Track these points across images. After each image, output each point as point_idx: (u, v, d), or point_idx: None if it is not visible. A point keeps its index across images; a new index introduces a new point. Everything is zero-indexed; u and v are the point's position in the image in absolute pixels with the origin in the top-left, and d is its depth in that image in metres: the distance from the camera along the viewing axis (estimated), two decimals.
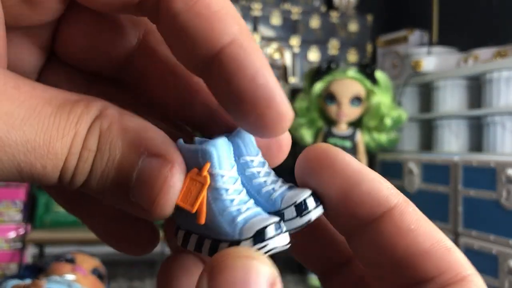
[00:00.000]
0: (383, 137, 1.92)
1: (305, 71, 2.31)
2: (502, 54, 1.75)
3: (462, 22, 2.33)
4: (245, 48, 0.13)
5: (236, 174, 0.15)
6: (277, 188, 0.15)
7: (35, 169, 0.14)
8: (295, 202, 0.15)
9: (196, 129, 0.18)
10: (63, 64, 0.18)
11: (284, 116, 0.14)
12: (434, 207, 1.73)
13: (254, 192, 0.15)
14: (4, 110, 0.13)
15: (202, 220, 0.14)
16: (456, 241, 1.63)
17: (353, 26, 2.67)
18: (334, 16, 2.64)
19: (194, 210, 0.14)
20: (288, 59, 2.53)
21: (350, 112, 1.86)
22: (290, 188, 0.16)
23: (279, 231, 0.14)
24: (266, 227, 0.14)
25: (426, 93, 2.09)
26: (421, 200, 1.80)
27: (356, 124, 1.92)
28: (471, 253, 1.55)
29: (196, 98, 0.17)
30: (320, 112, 1.95)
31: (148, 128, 0.14)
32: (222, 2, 0.13)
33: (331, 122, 1.93)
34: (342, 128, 1.90)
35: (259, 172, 0.15)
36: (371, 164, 2.07)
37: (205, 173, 0.14)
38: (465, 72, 1.85)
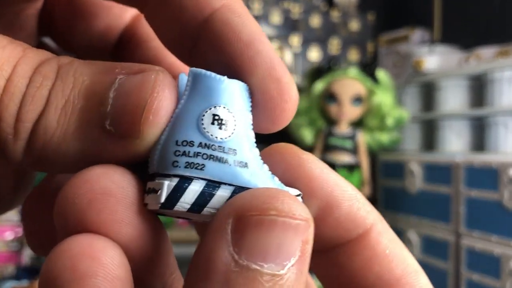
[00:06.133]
0: (384, 137, 1.92)
1: (306, 70, 2.31)
2: (505, 53, 1.75)
3: (464, 21, 2.33)
4: (238, 12, 0.11)
5: None
6: None
7: None
8: None
9: None
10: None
11: (288, 85, 0.12)
12: (435, 208, 1.73)
13: None
14: None
15: None
16: (457, 242, 1.63)
17: (354, 25, 2.67)
18: (335, 14, 2.64)
19: None
20: (288, 58, 2.53)
21: (351, 112, 1.85)
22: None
23: None
24: None
25: (428, 93, 2.08)
26: (422, 200, 1.80)
27: (357, 124, 1.92)
28: (473, 254, 1.55)
29: None
30: (321, 111, 1.94)
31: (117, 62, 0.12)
32: None
33: (331, 122, 1.92)
34: (343, 128, 1.89)
35: None
36: (373, 164, 2.07)
37: None
38: (467, 71, 1.85)
